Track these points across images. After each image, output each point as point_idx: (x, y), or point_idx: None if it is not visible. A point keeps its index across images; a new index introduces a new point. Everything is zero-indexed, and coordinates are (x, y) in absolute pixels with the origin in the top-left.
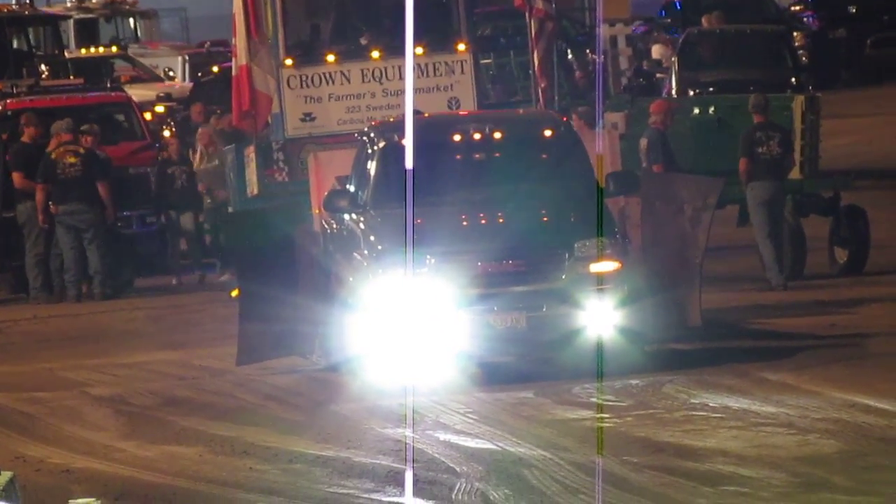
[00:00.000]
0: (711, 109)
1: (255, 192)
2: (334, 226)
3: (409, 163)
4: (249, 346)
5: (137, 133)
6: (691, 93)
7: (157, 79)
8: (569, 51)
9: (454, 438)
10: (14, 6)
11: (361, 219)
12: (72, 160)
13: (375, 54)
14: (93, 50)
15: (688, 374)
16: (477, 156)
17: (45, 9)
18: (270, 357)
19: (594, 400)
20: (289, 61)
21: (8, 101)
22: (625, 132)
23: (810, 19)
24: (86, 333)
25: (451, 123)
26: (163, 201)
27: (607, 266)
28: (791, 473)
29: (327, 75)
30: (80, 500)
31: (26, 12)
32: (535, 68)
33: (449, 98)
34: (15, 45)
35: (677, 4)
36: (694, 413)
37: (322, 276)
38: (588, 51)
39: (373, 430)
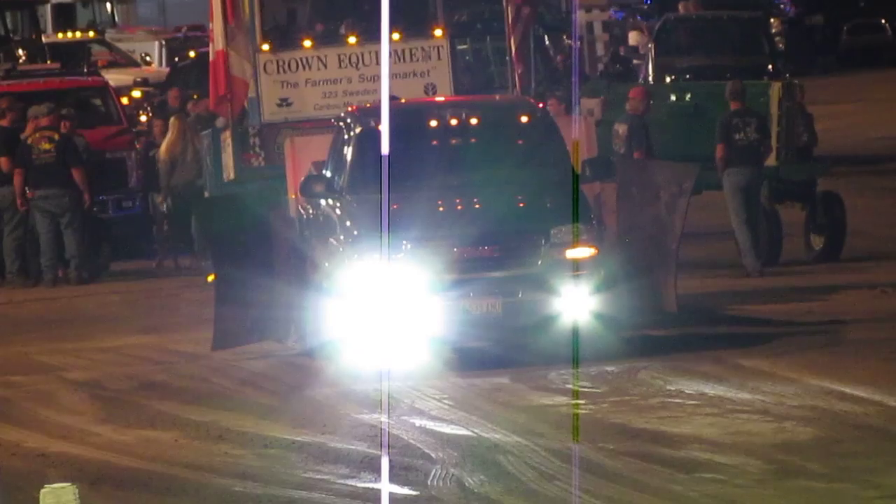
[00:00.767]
0: (688, 96)
1: (232, 176)
2: (310, 211)
3: (384, 148)
4: (225, 331)
5: (114, 118)
6: (668, 79)
7: (134, 63)
8: (545, 36)
9: (429, 424)
10: None
11: (337, 204)
12: (46, 146)
13: (352, 39)
14: (70, 34)
15: (663, 360)
16: (453, 141)
17: None
18: (246, 342)
19: (570, 386)
20: (265, 46)
21: None
22: (601, 118)
23: (787, 6)
24: (62, 317)
25: (427, 109)
26: (147, 184)
27: (583, 252)
28: (767, 460)
29: (304, 60)
30: (55, 485)
31: None
32: (512, 54)
33: (425, 84)
34: None
35: None
36: (669, 400)
37: (298, 261)
38: (564, 36)
39: (348, 415)
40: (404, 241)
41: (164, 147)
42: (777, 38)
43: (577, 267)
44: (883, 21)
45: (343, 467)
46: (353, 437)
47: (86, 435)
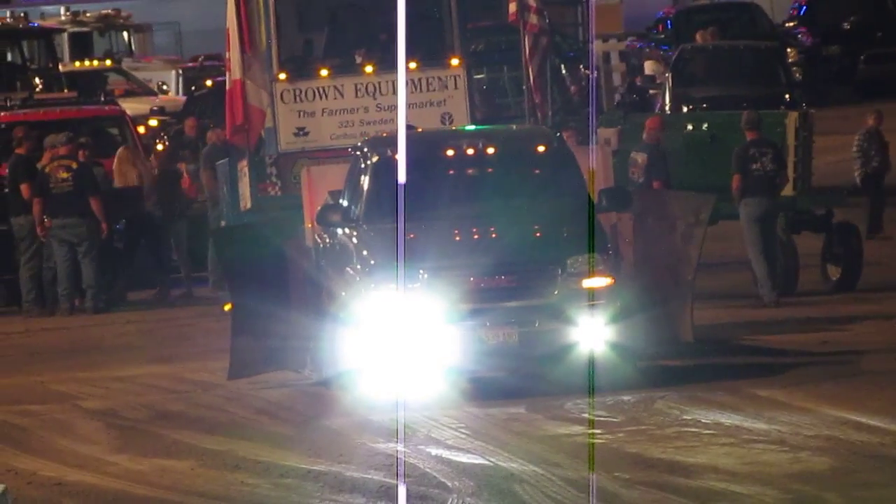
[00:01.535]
0: (704, 126)
1: (248, 205)
2: (327, 240)
3: (401, 177)
4: (241, 361)
5: (130, 147)
6: (684, 109)
7: (151, 92)
8: (562, 66)
9: (446, 453)
10: (8, 19)
11: (354, 233)
12: (63, 175)
13: (369, 69)
14: (87, 63)
15: (679, 390)
16: (470, 171)
17: (40, 22)
18: (262, 371)
19: (586, 415)
20: (282, 75)
21: (1, 114)
22: (617, 148)
23: (804, 35)
24: (78, 347)
25: (444, 138)
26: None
27: (599, 282)
28: (783, 490)
29: (321, 90)
30: None
31: (20, 26)
32: (530, 83)
33: (442, 113)
34: (9, 58)
35: (668, 23)
36: (686, 429)
37: (314, 291)
38: (581, 66)
39: (364, 444)
40: (420, 271)
41: (115, 178)
42: (794, 69)
43: (593, 297)
44: None
45: (359, 497)
46: (369, 467)
47: (102, 464)
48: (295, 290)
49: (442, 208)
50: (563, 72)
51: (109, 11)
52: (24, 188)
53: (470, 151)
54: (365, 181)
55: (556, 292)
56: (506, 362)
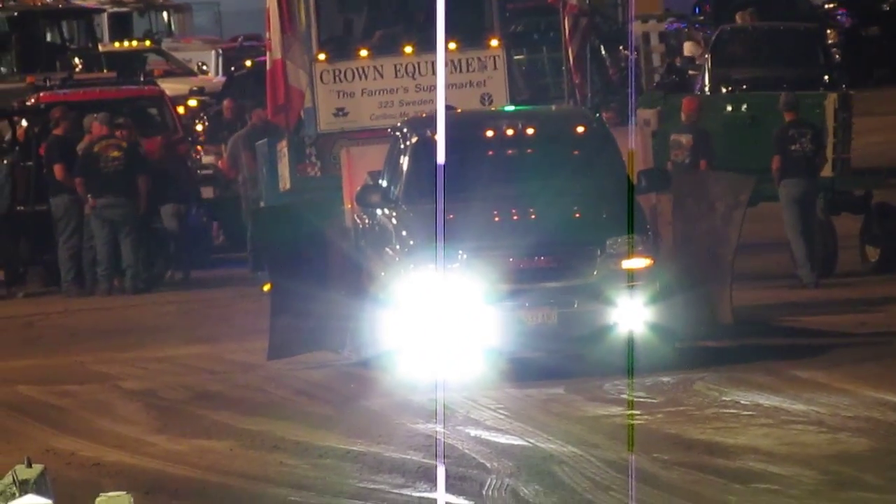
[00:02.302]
0: (744, 107)
1: (288, 186)
2: (366, 221)
3: (440, 158)
4: (280, 341)
5: (170, 127)
6: (724, 90)
7: (190, 73)
8: (602, 47)
9: (485, 434)
10: (48, 0)
11: (393, 214)
12: (115, 154)
13: (408, 49)
14: (126, 44)
15: (718, 371)
16: (509, 152)
17: (79, 2)
18: (301, 352)
19: (625, 396)
20: (321, 56)
21: (41, 94)
22: (657, 129)
23: (843, 17)
24: (117, 327)
25: (483, 119)
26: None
27: (638, 263)
28: (822, 471)
29: (360, 70)
30: (110, 494)
31: (60, 6)
32: (569, 64)
33: (482, 94)
34: (49, 38)
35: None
36: (725, 410)
37: (353, 271)
38: (621, 47)
39: (403, 425)
40: (460, 252)
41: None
42: (833, 50)
43: (632, 278)
44: None
45: (398, 477)
46: (408, 447)
47: (141, 444)
48: (334, 271)
49: (481, 189)
50: (603, 53)
51: None
52: (58, 169)
53: (509, 132)
54: (404, 162)
55: (595, 273)
56: (545, 343)
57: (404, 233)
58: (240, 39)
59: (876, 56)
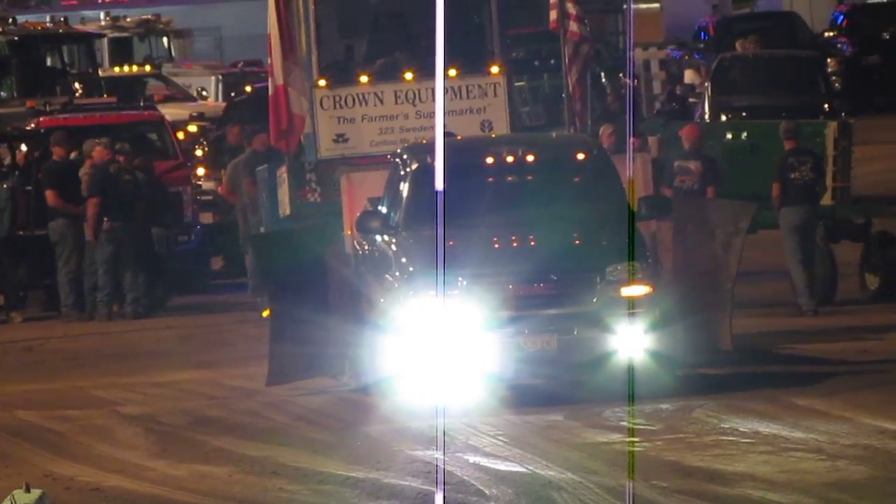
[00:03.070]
0: (744, 134)
1: (288, 212)
2: (366, 247)
3: (439, 184)
4: (280, 367)
5: (170, 152)
6: (724, 117)
7: (191, 98)
8: (602, 74)
9: (484, 461)
10: (48, 24)
11: (393, 240)
12: (128, 177)
13: (409, 76)
14: (126, 69)
15: (718, 398)
16: (509, 178)
17: (80, 27)
18: (301, 378)
19: (624, 423)
20: (322, 82)
21: (41, 118)
22: (658, 156)
23: (844, 45)
24: (117, 352)
25: (483, 146)
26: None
27: (638, 290)
28: (820, 499)
29: (360, 96)
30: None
31: (60, 30)
32: (570, 91)
33: (482, 120)
34: (49, 62)
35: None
36: (724, 438)
37: (353, 298)
38: (621, 74)
39: (403, 451)
40: (460, 278)
41: None
42: (833, 78)
43: (632, 305)
44: None
45: (397, 503)
46: (407, 474)
47: (140, 469)
48: (334, 297)
49: (481, 215)
50: (604, 80)
51: (150, 17)
52: (50, 194)
53: (509, 159)
54: (404, 188)
55: (595, 300)
56: (544, 370)
57: (404, 259)
58: (240, 65)
59: (876, 84)
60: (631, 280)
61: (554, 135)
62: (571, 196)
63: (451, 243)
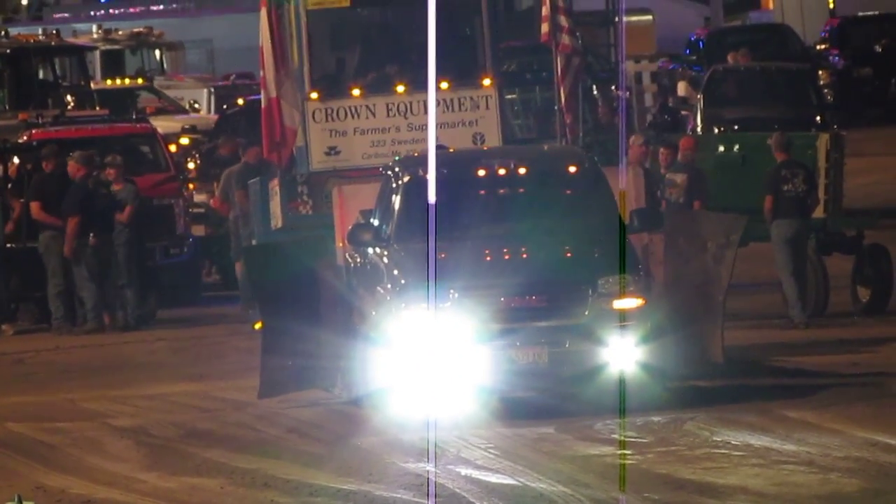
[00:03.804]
0: (736, 147)
1: (279, 224)
2: (358, 259)
3: (431, 197)
4: (271, 379)
5: (162, 165)
6: (716, 130)
7: (182, 110)
8: (594, 87)
9: (475, 473)
10: (40, 37)
11: (385, 253)
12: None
13: (401, 88)
14: (118, 81)
15: (709, 411)
16: (501, 191)
17: (71, 40)
18: (292, 390)
19: (616, 436)
20: (314, 94)
21: (33, 131)
22: (649, 168)
23: (836, 58)
24: (108, 364)
25: (475, 158)
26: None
27: (630, 302)
28: None
29: (352, 109)
30: None
31: (52, 43)
32: (561, 104)
33: (474, 133)
34: (41, 75)
35: (700, 43)
36: (715, 450)
37: (345, 310)
38: (613, 87)
39: (394, 464)
40: (451, 291)
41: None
42: (825, 90)
43: (623, 317)
44: None
45: None
46: (398, 486)
47: (131, 482)
48: (325, 309)
49: (473, 228)
50: (595, 93)
51: (141, 29)
52: (34, 207)
53: (501, 171)
54: (396, 201)
55: (586, 313)
56: (536, 382)
57: (396, 271)
58: (232, 77)
59: (868, 97)
60: (622, 293)
61: (546, 147)
62: (563, 208)
63: (442, 256)
